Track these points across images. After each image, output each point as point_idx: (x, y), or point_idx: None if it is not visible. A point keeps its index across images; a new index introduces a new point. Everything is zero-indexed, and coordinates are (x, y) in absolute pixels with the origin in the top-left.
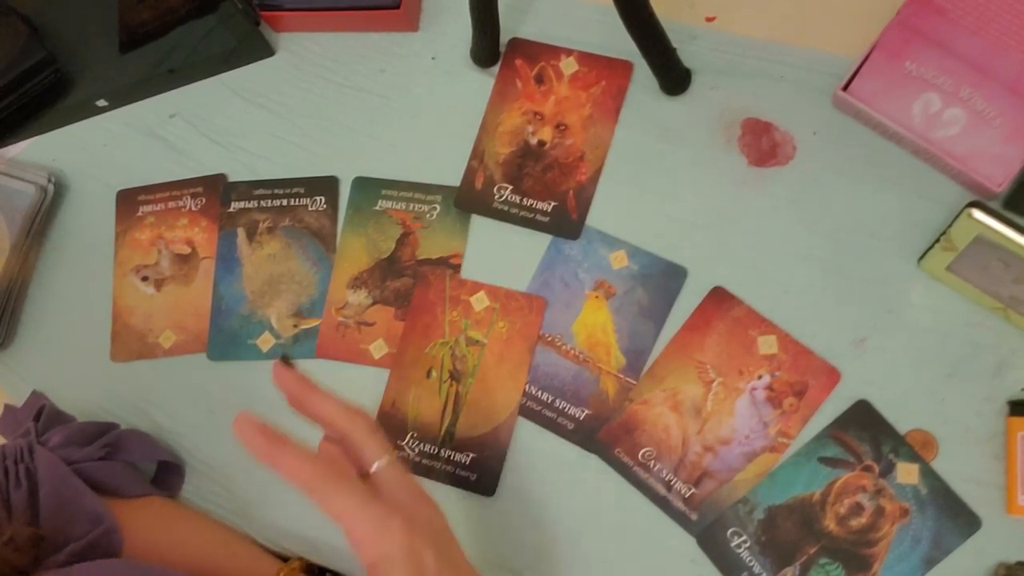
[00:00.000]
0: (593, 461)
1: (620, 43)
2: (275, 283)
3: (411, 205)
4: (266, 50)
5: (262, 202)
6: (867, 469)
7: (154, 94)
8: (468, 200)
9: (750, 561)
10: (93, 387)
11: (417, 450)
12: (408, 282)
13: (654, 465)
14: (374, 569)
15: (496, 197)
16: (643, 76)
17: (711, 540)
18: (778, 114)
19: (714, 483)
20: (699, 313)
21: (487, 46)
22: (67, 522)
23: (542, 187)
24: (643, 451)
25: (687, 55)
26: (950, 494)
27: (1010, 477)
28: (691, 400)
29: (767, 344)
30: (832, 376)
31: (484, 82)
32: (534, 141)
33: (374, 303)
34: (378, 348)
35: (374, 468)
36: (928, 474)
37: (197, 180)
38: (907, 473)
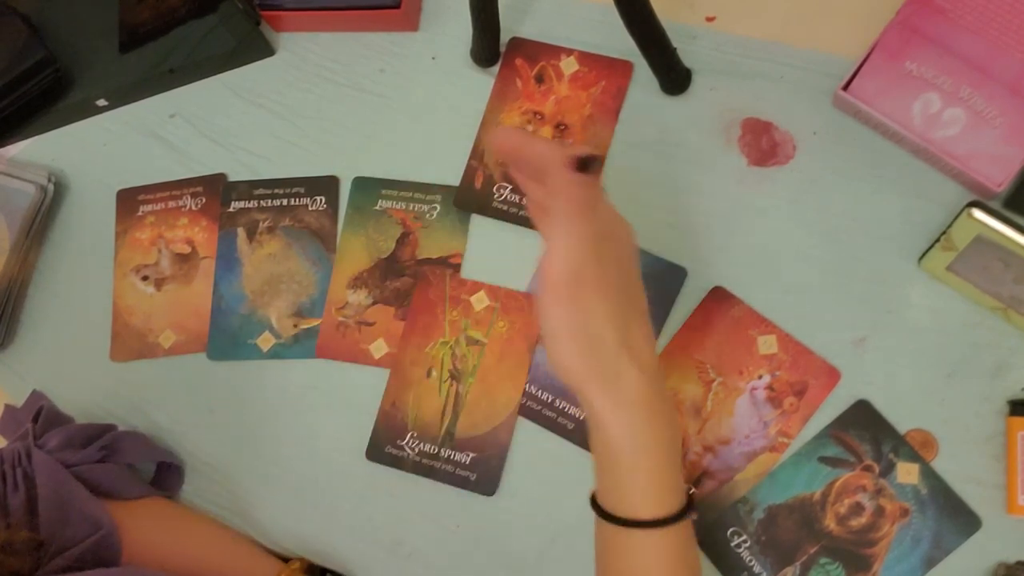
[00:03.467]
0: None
1: (620, 43)
2: (275, 283)
3: (411, 205)
4: (266, 50)
5: (262, 202)
6: (867, 469)
7: (154, 94)
8: (468, 200)
9: (750, 561)
10: (93, 387)
11: (417, 450)
12: (408, 282)
13: None
14: (556, 239)
15: (496, 197)
16: (643, 76)
17: (711, 540)
18: (778, 114)
19: (714, 483)
20: (699, 313)
21: (487, 46)
22: (66, 526)
23: None
24: None
25: (687, 55)
26: (950, 494)
27: (1010, 477)
28: (691, 400)
29: (767, 344)
30: (832, 376)
31: (484, 82)
32: None
33: (374, 303)
34: (378, 348)
35: None
36: (928, 474)
37: (197, 180)
38: (907, 473)
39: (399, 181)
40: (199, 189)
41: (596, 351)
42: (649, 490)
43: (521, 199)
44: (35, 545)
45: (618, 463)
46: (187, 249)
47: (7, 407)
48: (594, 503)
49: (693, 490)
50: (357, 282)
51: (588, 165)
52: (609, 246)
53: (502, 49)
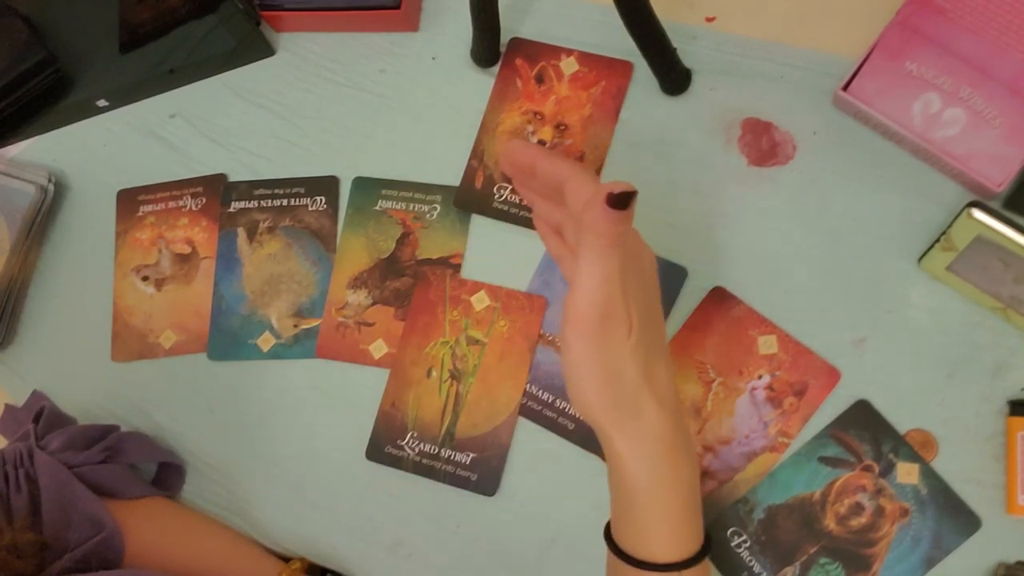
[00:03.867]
0: (593, 461)
1: (620, 43)
2: (275, 283)
3: (411, 205)
4: (266, 50)
5: (262, 202)
6: (867, 469)
7: (154, 94)
8: (468, 200)
9: (750, 561)
10: (93, 387)
11: (417, 450)
12: (408, 282)
13: None
14: (592, 257)
15: (496, 197)
16: (643, 76)
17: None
18: (778, 114)
19: (714, 483)
20: (699, 313)
21: (487, 46)
22: (69, 527)
23: None
24: None
25: (687, 55)
26: (950, 494)
27: (1010, 477)
28: (691, 400)
29: (767, 344)
30: (832, 376)
31: (484, 82)
32: (534, 141)
33: (374, 303)
34: (378, 348)
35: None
36: (928, 474)
37: (197, 180)
38: (907, 473)
39: (399, 181)
40: (199, 189)
41: (617, 387)
42: (667, 532)
43: (521, 199)
44: (40, 547)
45: (636, 502)
46: (187, 249)
47: (7, 407)
48: (608, 538)
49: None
50: (357, 282)
51: (626, 202)
52: (634, 278)
53: (502, 49)
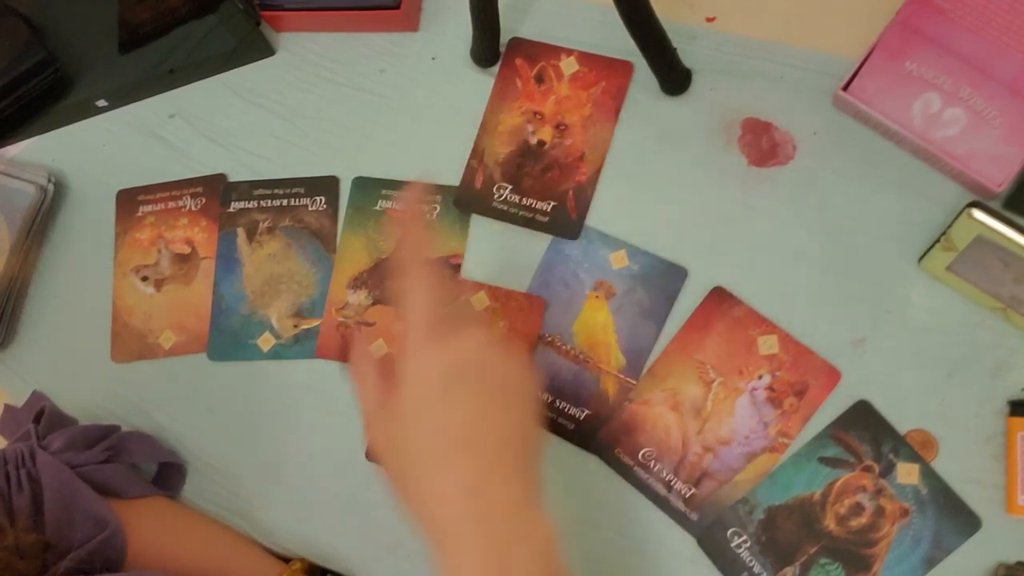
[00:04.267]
0: (593, 461)
1: (620, 43)
2: (275, 283)
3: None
4: (266, 50)
5: (262, 202)
6: (867, 469)
7: (154, 94)
8: (468, 200)
9: (750, 561)
10: (93, 387)
11: None
12: None
13: (654, 465)
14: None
15: (496, 197)
16: (643, 76)
17: (711, 540)
18: (778, 114)
19: (714, 483)
20: (699, 313)
21: (487, 46)
22: (71, 526)
23: (542, 187)
24: (643, 451)
25: (687, 55)
26: (950, 494)
27: (1010, 477)
28: (691, 400)
29: (767, 344)
30: (832, 376)
31: (484, 82)
32: (534, 141)
33: (374, 303)
34: (378, 348)
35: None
36: (928, 474)
37: (197, 180)
38: (907, 473)
39: (399, 181)
40: (199, 189)
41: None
42: None
43: (521, 199)
44: (43, 547)
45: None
46: (187, 249)
47: (7, 407)
48: None
49: None
50: (357, 282)
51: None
52: (466, 387)
53: (502, 49)
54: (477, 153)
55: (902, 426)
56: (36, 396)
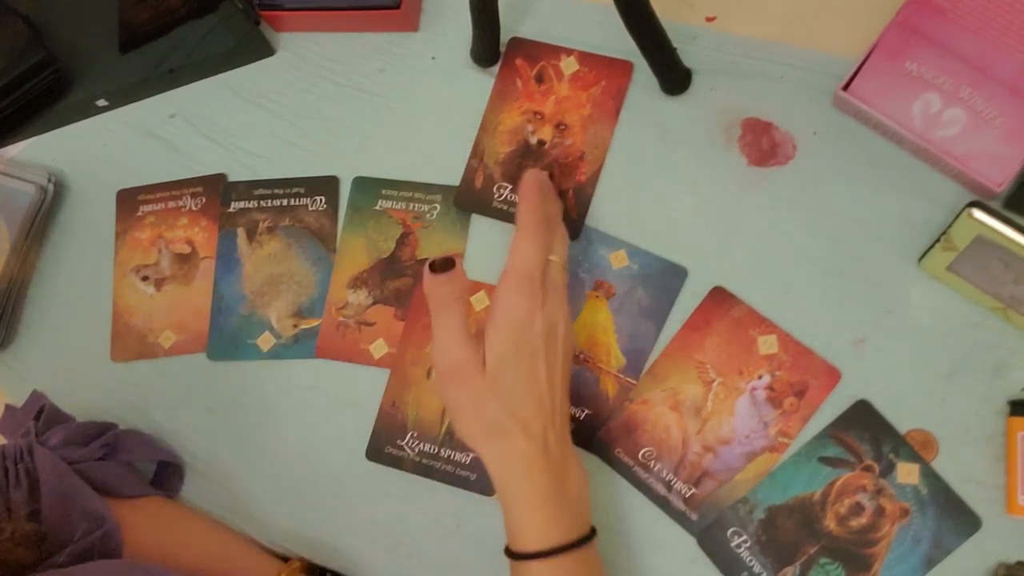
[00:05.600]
0: (593, 461)
1: (620, 43)
2: (275, 283)
3: (411, 205)
4: (266, 50)
5: (262, 202)
6: (867, 469)
7: (154, 94)
8: (468, 200)
9: (750, 561)
10: (93, 387)
11: (417, 450)
12: (408, 282)
13: (654, 465)
14: (495, 308)
15: (496, 196)
16: (643, 76)
17: (711, 540)
18: (778, 114)
19: (714, 483)
20: (699, 313)
21: (487, 46)
22: (68, 522)
23: None
24: (643, 451)
25: (687, 55)
26: (950, 494)
27: (1010, 477)
28: (691, 400)
29: (767, 344)
30: (832, 376)
31: (484, 82)
32: (534, 141)
33: (374, 303)
34: (378, 348)
35: (550, 257)
36: (928, 474)
37: (197, 180)
38: (907, 473)
39: (399, 181)
40: (199, 189)
41: (482, 418)
42: (528, 526)
43: None
44: (40, 538)
45: (504, 506)
46: (187, 249)
47: (7, 407)
48: (506, 548)
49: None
50: (357, 282)
51: (441, 267)
52: (498, 332)
53: (502, 49)
54: (477, 153)
55: (902, 426)
56: (36, 396)
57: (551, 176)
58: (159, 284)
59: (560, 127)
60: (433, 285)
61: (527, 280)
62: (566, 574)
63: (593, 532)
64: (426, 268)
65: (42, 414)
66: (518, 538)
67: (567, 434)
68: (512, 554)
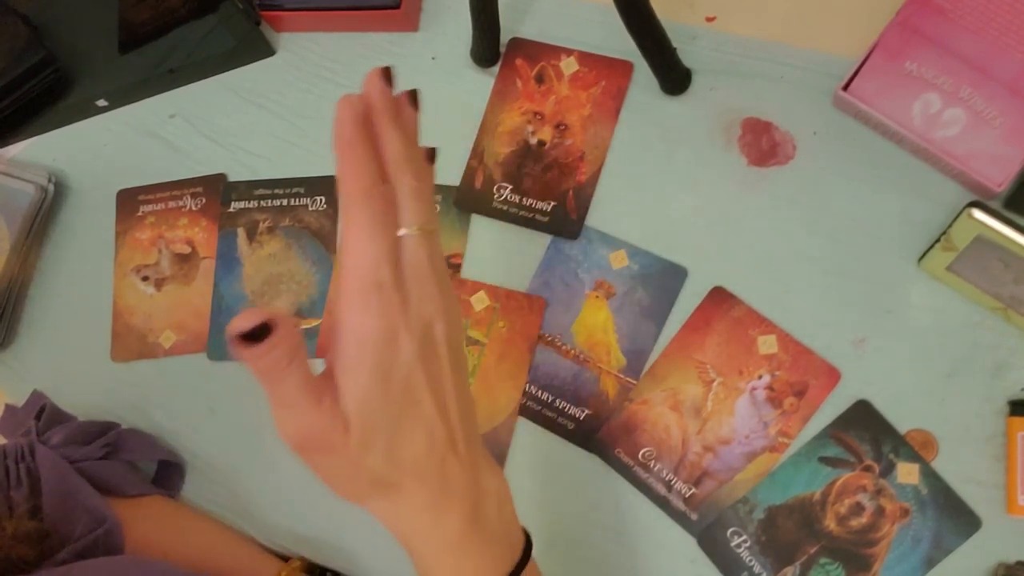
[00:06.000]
0: (593, 461)
1: (620, 43)
2: (275, 283)
3: None
4: (266, 50)
5: (262, 202)
6: (867, 469)
7: (154, 94)
8: (468, 200)
9: (750, 561)
10: (93, 387)
11: None
12: None
13: (654, 465)
14: (341, 335)
15: (496, 197)
16: (643, 76)
17: (711, 540)
18: (778, 114)
19: (714, 483)
20: (699, 313)
21: (487, 46)
22: (70, 520)
23: (542, 187)
24: (643, 451)
25: (687, 55)
26: (950, 494)
27: (1010, 477)
28: (691, 400)
29: (767, 344)
30: (832, 376)
31: (484, 82)
32: (534, 141)
33: None
34: None
35: (400, 232)
36: (928, 474)
37: (197, 180)
38: (907, 473)
39: None
40: (199, 189)
41: (360, 481)
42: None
43: (521, 199)
44: (42, 535)
45: (413, 559)
46: (187, 249)
47: (7, 407)
48: None
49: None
50: None
51: (256, 336)
52: (355, 377)
53: (502, 49)
54: (477, 153)
55: (902, 426)
56: (36, 396)
57: (551, 175)
58: (159, 284)
59: (560, 127)
60: (253, 359)
61: (372, 288)
62: None
63: (528, 547)
64: (234, 337)
65: (43, 414)
66: None
67: (475, 448)
68: None
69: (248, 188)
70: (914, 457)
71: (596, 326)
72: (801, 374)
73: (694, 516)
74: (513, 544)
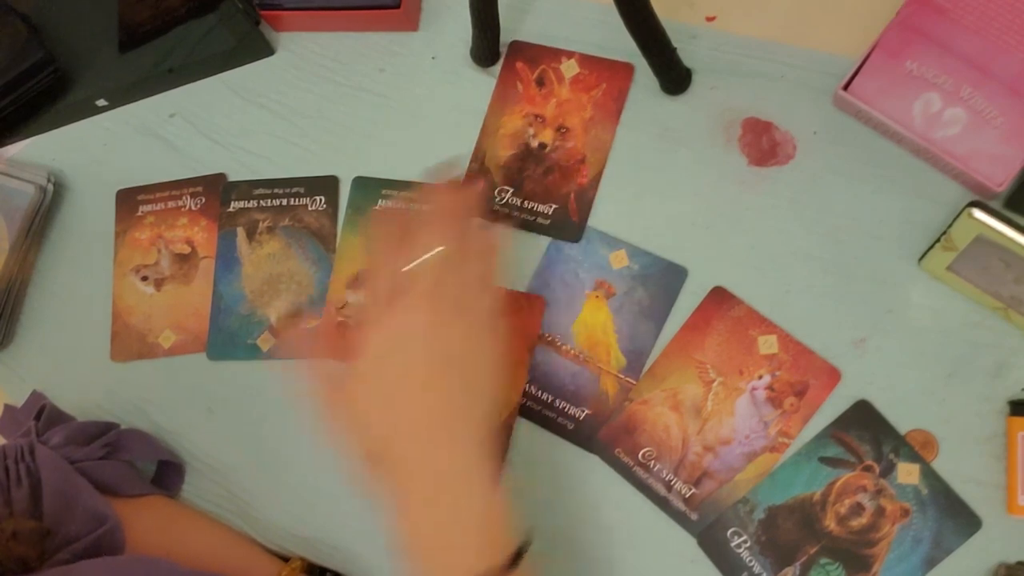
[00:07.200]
0: (593, 461)
1: (621, 43)
2: (275, 283)
3: (411, 205)
4: (266, 50)
5: (262, 202)
6: (867, 469)
7: (154, 94)
8: None
9: (750, 561)
10: (93, 387)
11: None
12: None
13: (654, 465)
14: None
15: (497, 200)
16: (644, 77)
17: (711, 540)
18: (778, 114)
19: (714, 483)
20: (699, 313)
21: (487, 46)
22: (70, 520)
23: (543, 190)
24: (643, 451)
25: (687, 55)
26: (950, 494)
27: (1010, 477)
28: (691, 400)
29: (767, 344)
30: (832, 376)
31: (484, 82)
32: (535, 144)
33: None
34: None
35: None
36: (928, 474)
37: (197, 180)
38: (907, 473)
39: (399, 181)
40: (199, 189)
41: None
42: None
43: (523, 202)
44: (42, 535)
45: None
46: (187, 249)
47: (7, 407)
48: None
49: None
50: (357, 282)
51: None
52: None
53: (502, 49)
54: (478, 156)
55: (902, 426)
56: (36, 396)
57: (552, 177)
58: (159, 284)
59: (561, 130)
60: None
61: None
62: None
63: (518, 554)
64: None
65: (42, 414)
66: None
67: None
68: None
69: (248, 188)
70: (914, 457)
71: (596, 326)
72: (801, 374)
73: (694, 516)
74: (494, 543)
